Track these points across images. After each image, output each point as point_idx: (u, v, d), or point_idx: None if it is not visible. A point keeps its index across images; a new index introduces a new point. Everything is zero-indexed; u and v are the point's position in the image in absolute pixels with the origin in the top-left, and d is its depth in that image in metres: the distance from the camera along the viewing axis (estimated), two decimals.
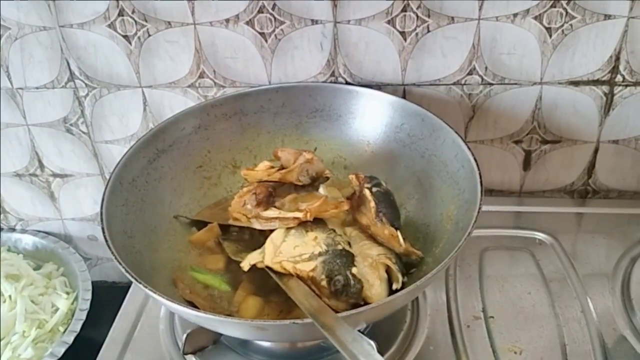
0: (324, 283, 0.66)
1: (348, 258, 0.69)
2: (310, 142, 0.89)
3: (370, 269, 0.69)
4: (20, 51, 0.91)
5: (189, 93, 0.93)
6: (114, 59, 0.91)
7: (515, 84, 0.88)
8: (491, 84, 0.88)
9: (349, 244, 0.72)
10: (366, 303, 0.66)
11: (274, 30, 0.86)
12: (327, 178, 0.79)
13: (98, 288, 1.01)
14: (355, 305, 0.66)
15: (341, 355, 0.73)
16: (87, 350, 0.83)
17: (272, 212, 0.73)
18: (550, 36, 0.83)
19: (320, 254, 0.68)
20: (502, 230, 0.91)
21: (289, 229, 0.72)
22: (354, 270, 0.67)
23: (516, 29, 0.83)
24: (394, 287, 0.69)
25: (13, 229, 1.13)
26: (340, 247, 0.69)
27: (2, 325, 0.92)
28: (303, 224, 0.72)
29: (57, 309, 0.98)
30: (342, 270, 0.67)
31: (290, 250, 0.69)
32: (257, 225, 0.75)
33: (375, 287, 0.68)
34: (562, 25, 0.82)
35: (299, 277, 0.67)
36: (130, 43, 0.89)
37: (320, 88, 0.89)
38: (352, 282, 0.66)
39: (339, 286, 0.66)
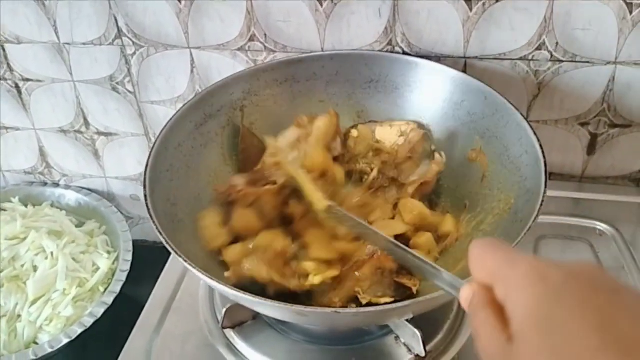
0: None
1: None
2: (363, 114, 0.85)
3: None
4: (68, 5, 0.88)
5: (238, 56, 0.89)
6: (162, 17, 0.87)
7: (588, 62, 0.81)
8: (561, 61, 0.82)
9: None
10: None
11: None
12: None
13: (139, 247, 1.00)
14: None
15: (383, 341, 0.72)
16: (126, 309, 0.83)
17: None
18: (631, 13, 0.76)
19: None
20: (559, 218, 0.86)
21: None
22: None
23: (594, 3, 0.76)
24: None
25: (57, 184, 1.12)
26: None
27: (43, 282, 0.92)
28: None
29: (97, 269, 0.98)
30: None
31: None
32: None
33: None
34: None
35: None
36: (180, 1, 0.85)
37: (377, 57, 0.84)
38: None
39: None
